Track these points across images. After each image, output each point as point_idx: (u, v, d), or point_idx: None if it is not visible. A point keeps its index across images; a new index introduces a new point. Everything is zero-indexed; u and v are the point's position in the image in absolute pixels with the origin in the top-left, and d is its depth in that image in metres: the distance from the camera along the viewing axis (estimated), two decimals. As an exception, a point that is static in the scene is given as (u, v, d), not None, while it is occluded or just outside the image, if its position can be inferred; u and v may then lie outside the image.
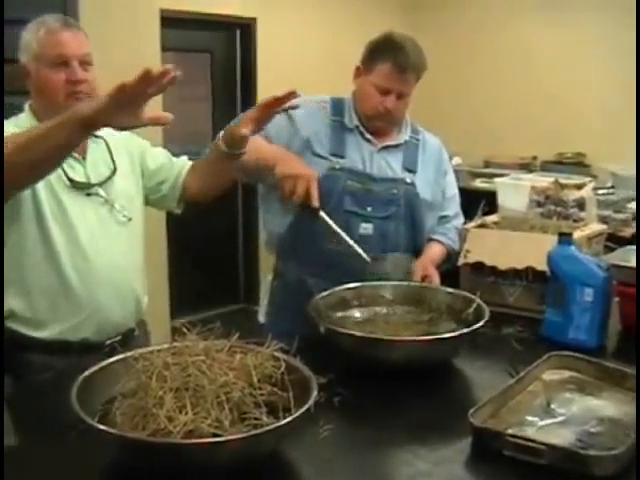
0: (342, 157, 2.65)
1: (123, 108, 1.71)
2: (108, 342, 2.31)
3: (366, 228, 2.63)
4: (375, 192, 2.65)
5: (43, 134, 1.82)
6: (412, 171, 2.74)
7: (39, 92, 2.23)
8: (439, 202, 2.84)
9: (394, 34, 2.66)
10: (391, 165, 2.71)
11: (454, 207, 2.95)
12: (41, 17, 2.25)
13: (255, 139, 2.50)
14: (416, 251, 2.74)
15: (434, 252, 2.77)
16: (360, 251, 2.41)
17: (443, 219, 2.88)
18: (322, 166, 2.62)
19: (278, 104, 2.16)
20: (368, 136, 2.71)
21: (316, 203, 2.36)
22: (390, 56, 2.59)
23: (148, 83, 1.67)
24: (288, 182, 2.36)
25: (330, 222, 2.40)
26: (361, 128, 2.71)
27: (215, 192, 2.52)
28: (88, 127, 1.78)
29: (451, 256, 2.83)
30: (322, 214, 2.38)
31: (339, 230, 2.40)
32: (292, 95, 2.11)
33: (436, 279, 2.59)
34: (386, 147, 2.73)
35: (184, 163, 2.51)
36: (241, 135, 2.19)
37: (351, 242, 2.41)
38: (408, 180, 2.70)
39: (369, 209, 2.64)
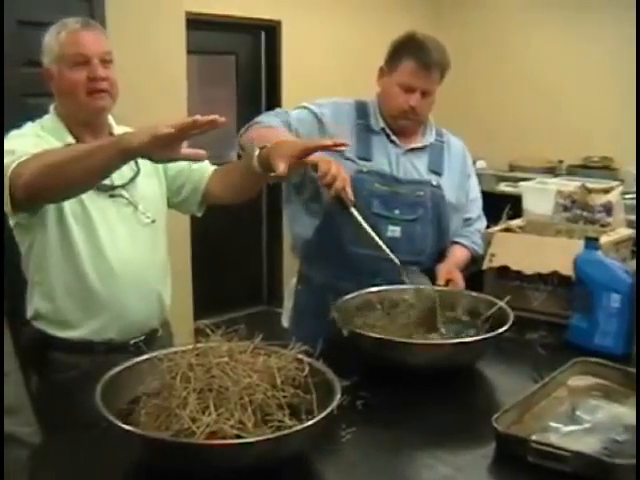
0: (369, 160, 2.66)
1: (165, 146, 1.78)
2: (132, 342, 2.32)
3: (394, 231, 2.62)
4: (402, 194, 2.65)
5: (82, 155, 1.88)
6: (438, 173, 2.74)
7: (61, 93, 2.25)
8: (463, 205, 2.84)
9: (417, 33, 2.67)
10: (417, 167, 2.71)
11: (476, 209, 2.94)
12: (63, 20, 2.27)
13: (280, 131, 2.54)
14: (440, 254, 2.74)
15: (458, 256, 2.75)
16: (391, 255, 2.39)
17: (466, 222, 2.88)
18: (349, 169, 2.61)
19: (322, 149, 2.19)
20: (394, 138, 2.71)
21: (352, 197, 2.34)
22: (413, 54, 2.60)
23: (194, 129, 1.76)
24: (332, 168, 2.26)
25: (362, 221, 2.35)
26: (387, 130, 2.71)
27: (240, 200, 2.51)
28: (128, 157, 1.87)
29: (475, 260, 2.82)
30: (354, 211, 2.35)
31: (369, 229, 2.37)
32: (342, 146, 2.17)
33: (461, 283, 2.58)
34: (412, 149, 2.73)
35: (206, 168, 2.51)
36: (278, 175, 2.07)
37: (381, 244, 2.38)
38: (434, 182, 2.70)
39: (396, 212, 2.64)
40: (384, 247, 2.37)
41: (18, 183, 1.96)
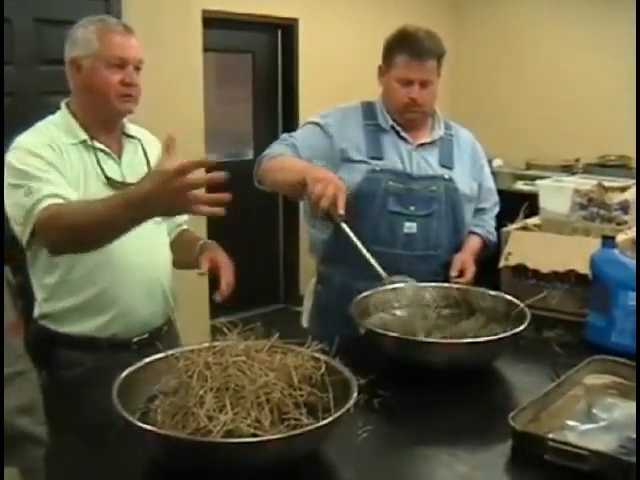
0: (380, 159, 2.67)
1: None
2: (135, 339, 2.33)
3: (410, 227, 2.65)
4: (416, 190, 2.66)
5: (111, 222, 1.97)
6: (449, 167, 2.75)
7: (89, 88, 2.26)
8: (475, 195, 2.86)
9: (408, 27, 2.71)
10: (429, 162, 2.73)
11: (492, 198, 2.98)
12: (98, 17, 2.31)
13: (286, 158, 2.63)
14: (458, 246, 2.76)
15: (473, 246, 2.79)
16: (378, 267, 2.38)
17: (480, 211, 2.91)
18: (362, 170, 2.64)
19: None
20: (404, 135, 2.73)
21: (341, 211, 2.32)
22: (405, 47, 2.64)
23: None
24: (318, 186, 2.31)
25: (351, 234, 2.36)
26: (396, 127, 2.73)
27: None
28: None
29: (488, 247, 2.86)
30: (343, 225, 2.35)
31: (359, 243, 2.37)
32: None
33: (469, 276, 2.61)
34: (422, 144, 2.75)
35: (180, 223, 2.59)
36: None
37: (369, 257, 2.37)
38: (446, 176, 2.72)
39: (412, 208, 2.66)
40: (372, 261, 2.37)
41: (45, 238, 2.09)
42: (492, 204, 2.97)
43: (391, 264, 2.51)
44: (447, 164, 2.75)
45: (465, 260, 2.67)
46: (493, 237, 2.89)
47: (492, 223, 2.93)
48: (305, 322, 2.85)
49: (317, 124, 2.75)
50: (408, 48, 2.63)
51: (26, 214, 2.09)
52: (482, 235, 2.84)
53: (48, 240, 2.09)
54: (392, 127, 2.73)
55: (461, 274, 2.61)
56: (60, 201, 2.09)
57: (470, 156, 2.86)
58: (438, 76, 2.70)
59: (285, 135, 2.82)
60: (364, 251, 2.37)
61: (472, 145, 2.90)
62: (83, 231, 2.00)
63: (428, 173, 2.71)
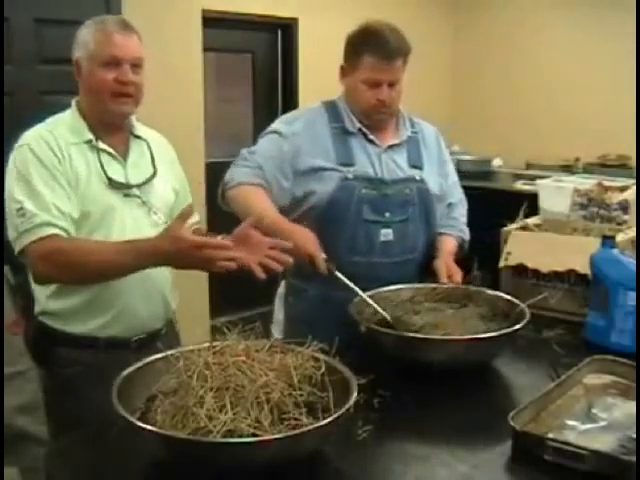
0: (351, 165, 2.59)
1: None
2: (134, 339, 2.33)
3: (387, 234, 2.59)
4: (390, 196, 2.60)
5: (115, 267, 2.11)
6: (419, 167, 2.69)
7: (87, 89, 2.28)
8: (444, 192, 2.80)
9: (370, 24, 2.66)
10: (399, 164, 2.66)
11: (457, 193, 2.90)
12: (102, 17, 2.32)
13: (250, 194, 2.56)
14: (429, 246, 2.71)
15: (450, 247, 2.70)
16: (377, 307, 2.32)
17: (448, 207, 2.84)
18: (334, 178, 2.57)
19: None
20: (372, 137, 2.65)
21: (325, 271, 2.32)
22: (372, 48, 2.56)
23: None
24: (296, 253, 2.26)
25: (345, 280, 2.33)
26: (364, 130, 2.65)
27: None
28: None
29: (463, 247, 2.79)
30: (337, 273, 2.34)
31: (356, 288, 2.33)
32: None
33: (459, 278, 2.55)
34: (391, 146, 2.68)
35: (194, 223, 2.54)
36: None
37: (367, 299, 2.33)
38: (417, 177, 2.67)
39: (387, 214, 2.60)
40: (371, 302, 2.32)
41: (38, 268, 2.13)
42: (458, 199, 2.89)
43: (369, 272, 2.49)
44: (417, 164, 2.69)
45: (449, 264, 2.59)
46: (466, 236, 2.81)
47: (463, 220, 2.85)
48: (277, 334, 2.74)
49: (280, 134, 2.64)
50: (375, 49, 2.55)
51: (18, 235, 2.11)
52: (455, 236, 2.76)
53: (42, 271, 2.13)
54: (359, 129, 2.65)
55: (449, 279, 2.53)
56: (55, 231, 2.10)
57: (436, 152, 2.80)
58: (403, 72, 2.62)
59: (245, 152, 2.68)
60: (361, 292, 2.33)
61: (436, 140, 2.84)
62: (86, 270, 2.11)
63: (399, 176, 2.64)
